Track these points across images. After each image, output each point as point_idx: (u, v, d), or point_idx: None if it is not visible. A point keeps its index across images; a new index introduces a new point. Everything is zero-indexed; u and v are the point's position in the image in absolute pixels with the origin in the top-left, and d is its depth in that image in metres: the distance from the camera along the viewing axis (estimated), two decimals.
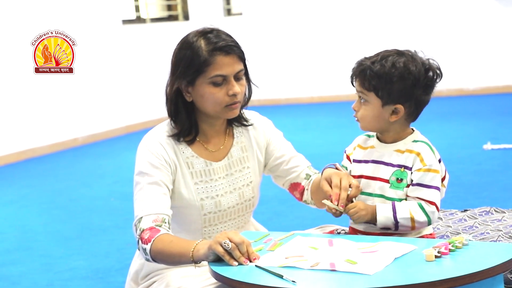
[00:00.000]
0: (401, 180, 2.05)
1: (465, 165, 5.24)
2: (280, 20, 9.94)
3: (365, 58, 2.08)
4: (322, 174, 2.11)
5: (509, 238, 2.30)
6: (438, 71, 2.07)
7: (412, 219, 2.01)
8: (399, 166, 2.05)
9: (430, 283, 1.60)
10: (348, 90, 10.47)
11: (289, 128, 7.59)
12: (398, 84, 2.02)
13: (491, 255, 1.73)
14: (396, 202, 2.04)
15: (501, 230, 2.39)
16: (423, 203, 2.02)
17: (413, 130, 2.13)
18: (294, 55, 9.91)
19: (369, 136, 2.17)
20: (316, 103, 9.84)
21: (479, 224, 2.50)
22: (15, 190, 5.97)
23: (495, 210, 2.61)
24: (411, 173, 2.04)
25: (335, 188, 2.01)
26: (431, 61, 2.06)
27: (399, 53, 2.05)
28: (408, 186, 2.05)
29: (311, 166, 2.30)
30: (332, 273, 1.71)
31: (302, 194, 2.29)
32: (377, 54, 2.07)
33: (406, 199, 2.05)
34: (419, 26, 9.09)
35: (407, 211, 2.01)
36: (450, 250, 1.77)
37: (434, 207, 2.02)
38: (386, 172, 2.07)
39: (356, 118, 2.11)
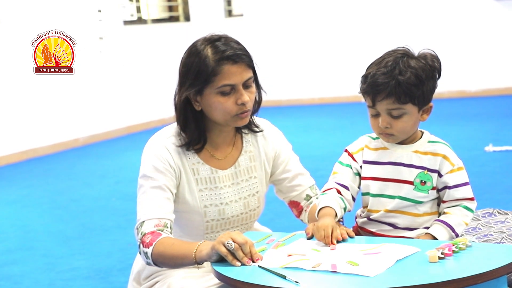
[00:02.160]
0: (425, 182, 2.04)
1: (467, 167, 5.15)
2: (281, 22, 9.94)
3: (376, 74, 1.98)
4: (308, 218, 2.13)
5: None
6: (434, 54, 2.05)
7: (465, 224, 2.05)
8: (422, 168, 2.04)
9: (434, 285, 1.60)
10: (349, 91, 10.39)
11: (291, 129, 7.59)
12: (428, 84, 2.00)
13: (494, 256, 1.73)
14: (449, 220, 2.03)
15: (504, 232, 2.38)
16: (465, 202, 2.05)
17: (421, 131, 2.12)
18: (295, 57, 9.91)
19: (372, 137, 2.14)
20: (317, 104, 9.84)
21: (482, 225, 2.50)
22: (16, 190, 5.97)
23: (498, 212, 2.61)
24: (441, 176, 2.04)
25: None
26: (425, 50, 2.03)
27: (402, 55, 2.01)
28: (433, 189, 2.04)
29: (314, 185, 2.28)
30: (333, 275, 1.71)
31: (300, 213, 2.28)
32: (384, 66, 1.98)
33: (432, 200, 2.06)
34: (420, 28, 9.09)
35: (462, 222, 2.03)
36: (454, 252, 1.77)
37: (474, 201, 2.07)
38: (408, 174, 2.05)
39: (387, 134, 2.04)
